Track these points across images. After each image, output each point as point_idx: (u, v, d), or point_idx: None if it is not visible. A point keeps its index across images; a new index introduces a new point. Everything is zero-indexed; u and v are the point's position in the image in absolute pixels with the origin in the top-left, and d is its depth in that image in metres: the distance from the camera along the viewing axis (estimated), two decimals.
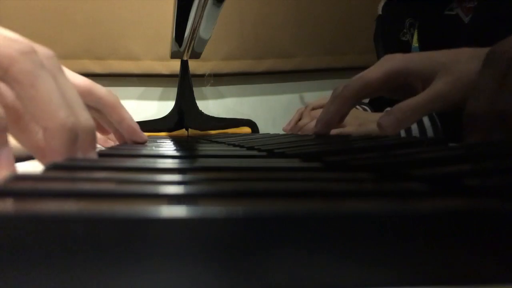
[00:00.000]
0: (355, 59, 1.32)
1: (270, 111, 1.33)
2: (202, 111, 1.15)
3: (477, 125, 0.32)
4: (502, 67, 0.31)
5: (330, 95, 0.49)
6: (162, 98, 1.28)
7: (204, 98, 1.29)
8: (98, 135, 0.48)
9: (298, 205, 0.11)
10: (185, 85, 1.12)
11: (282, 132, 0.90)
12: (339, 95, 0.47)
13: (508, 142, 0.30)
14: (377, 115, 0.77)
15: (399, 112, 0.42)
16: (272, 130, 1.16)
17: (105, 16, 1.18)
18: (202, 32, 0.86)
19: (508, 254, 0.10)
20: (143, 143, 0.44)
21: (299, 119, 0.88)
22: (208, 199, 0.13)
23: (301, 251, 0.10)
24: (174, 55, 1.04)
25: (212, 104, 1.31)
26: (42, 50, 0.25)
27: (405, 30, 0.88)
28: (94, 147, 0.27)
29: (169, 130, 1.11)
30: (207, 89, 1.30)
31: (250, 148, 0.38)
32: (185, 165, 0.23)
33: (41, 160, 0.28)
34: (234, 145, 0.45)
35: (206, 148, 0.44)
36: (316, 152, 0.30)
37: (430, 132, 0.67)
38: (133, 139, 0.43)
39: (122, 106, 0.42)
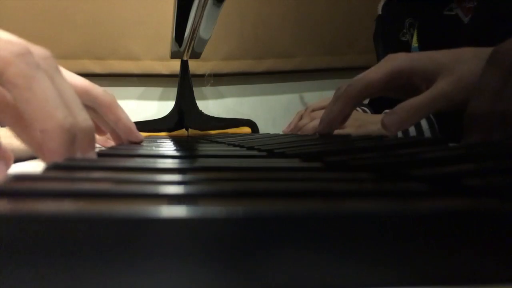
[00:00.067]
0: (355, 59, 1.32)
1: (270, 111, 1.33)
2: (202, 111, 1.14)
3: (479, 124, 0.32)
4: (505, 66, 0.31)
5: (330, 97, 0.49)
6: (162, 98, 1.28)
7: (204, 98, 1.29)
8: (98, 136, 0.48)
9: (298, 205, 0.11)
10: (185, 85, 1.12)
11: (282, 132, 0.90)
12: (342, 94, 0.46)
13: (508, 142, 0.30)
14: (376, 117, 0.77)
15: (403, 112, 0.42)
16: (272, 130, 1.16)
17: (105, 16, 1.18)
18: (202, 32, 0.86)
19: (508, 254, 0.10)
20: (139, 143, 0.44)
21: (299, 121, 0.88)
22: (208, 199, 0.13)
23: (301, 251, 0.10)
24: (174, 55, 1.04)
25: (212, 104, 1.31)
26: (38, 51, 0.24)
27: (404, 30, 0.88)
28: (93, 147, 0.27)
29: (169, 130, 1.11)
30: (207, 89, 1.30)
31: (250, 148, 0.38)
32: (185, 165, 0.23)
33: (43, 158, 0.28)
34: (234, 145, 0.45)
35: (206, 148, 0.44)
36: (316, 152, 0.30)
37: (427, 133, 0.67)
38: (129, 139, 0.43)
39: (118, 106, 0.41)
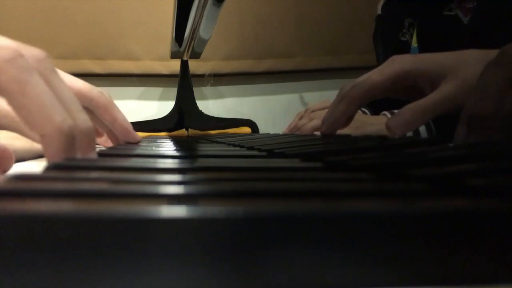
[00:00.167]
0: (355, 59, 1.32)
1: (270, 111, 1.33)
2: (202, 111, 1.14)
3: (481, 124, 0.32)
4: (511, 68, 0.31)
5: (331, 99, 0.48)
6: (162, 98, 1.28)
7: (204, 98, 1.29)
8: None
9: (298, 205, 0.11)
10: (185, 85, 1.12)
11: (282, 133, 0.90)
12: (346, 95, 0.46)
13: (508, 142, 0.30)
14: (374, 118, 0.77)
15: (409, 113, 0.42)
16: (272, 130, 1.16)
17: (105, 16, 1.18)
18: (202, 32, 0.86)
19: (508, 254, 0.10)
20: (136, 143, 0.43)
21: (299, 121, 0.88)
22: (208, 199, 0.13)
23: (301, 251, 0.10)
24: (174, 55, 1.04)
25: (212, 104, 1.31)
26: (32, 52, 0.24)
27: (404, 30, 0.88)
28: (94, 148, 0.27)
29: (169, 130, 1.11)
30: (207, 89, 1.30)
31: (250, 148, 0.38)
32: (185, 165, 0.23)
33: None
34: (234, 145, 0.45)
35: (206, 148, 0.44)
36: (316, 152, 0.30)
37: (424, 135, 0.67)
38: (126, 140, 0.43)
39: (114, 107, 0.41)
